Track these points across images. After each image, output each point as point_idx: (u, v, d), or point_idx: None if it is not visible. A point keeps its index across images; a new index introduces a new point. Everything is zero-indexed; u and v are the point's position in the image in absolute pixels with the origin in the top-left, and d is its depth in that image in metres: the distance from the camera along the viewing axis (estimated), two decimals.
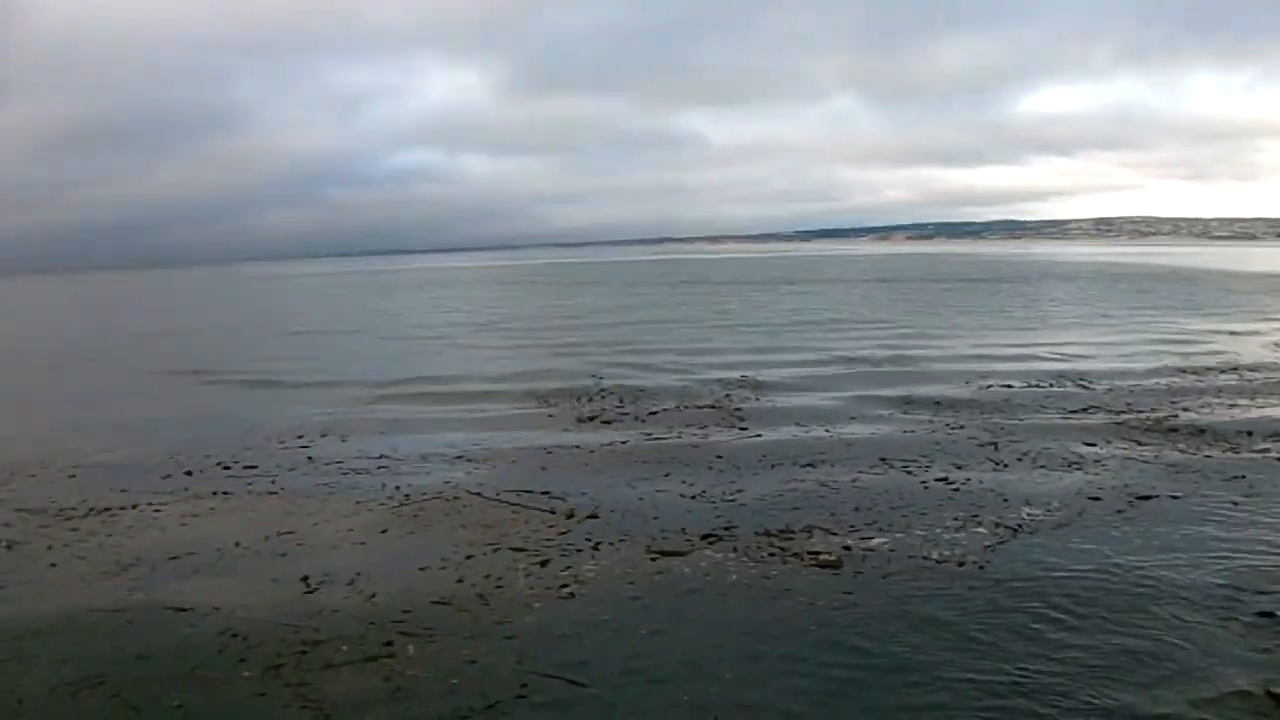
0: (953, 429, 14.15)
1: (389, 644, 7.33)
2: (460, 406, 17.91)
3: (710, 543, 9.36)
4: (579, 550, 9.37)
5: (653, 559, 8.99)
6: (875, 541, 9.23)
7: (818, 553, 8.90)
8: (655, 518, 10.31)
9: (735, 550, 9.10)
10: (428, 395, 19.27)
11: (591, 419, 16.14)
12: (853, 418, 15.23)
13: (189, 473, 13.26)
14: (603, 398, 18.08)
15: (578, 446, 13.86)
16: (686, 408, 16.69)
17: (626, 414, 16.38)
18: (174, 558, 9.67)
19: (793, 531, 9.58)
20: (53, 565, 9.60)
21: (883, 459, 12.48)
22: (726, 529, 9.77)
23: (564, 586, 8.38)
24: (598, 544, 9.54)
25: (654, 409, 16.66)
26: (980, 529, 9.52)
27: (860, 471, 11.87)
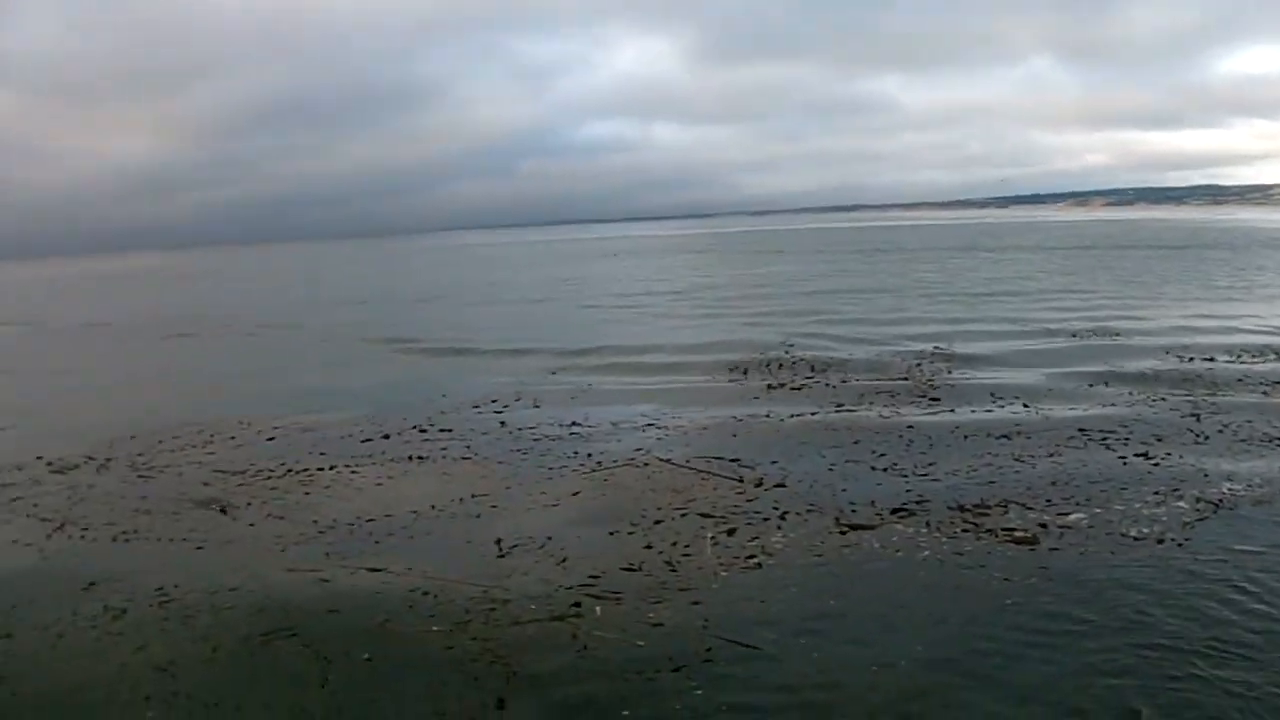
0: (1153, 402, 13.58)
1: (576, 605, 7.40)
2: (651, 375, 18.00)
3: (901, 517, 9.16)
4: (766, 519, 9.29)
5: (841, 532, 8.85)
6: (1072, 517, 8.91)
7: (1012, 529, 8.63)
8: (844, 489, 10.15)
9: (927, 526, 8.88)
10: (619, 364, 19.39)
11: (781, 387, 16.02)
12: (1050, 390, 14.76)
13: (386, 436, 13.63)
14: (793, 367, 17.91)
15: (767, 416, 13.75)
16: (879, 379, 16.42)
17: (817, 384, 16.20)
18: (370, 519, 9.94)
19: (987, 507, 9.30)
20: (250, 525, 9.97)
21: (1081, 431, 12.08)
22: (918, 503, 9.55)
23: (750, 556, 8.31)
24: (785, 514, 9.44)
25: (845, 379, 16.45)
26: (1180, 504, 9.11)
27: (1058, 445, 11.48)
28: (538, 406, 15.41)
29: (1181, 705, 5.56)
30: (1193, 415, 12.66)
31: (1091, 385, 15.09)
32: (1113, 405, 13.51)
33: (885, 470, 10.83)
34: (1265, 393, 14.12)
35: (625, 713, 5.87)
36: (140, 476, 12.01)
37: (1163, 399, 13.74)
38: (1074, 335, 20.89)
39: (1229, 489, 9.55)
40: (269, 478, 11.65)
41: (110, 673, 6.68)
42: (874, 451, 11.55)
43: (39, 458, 12.99)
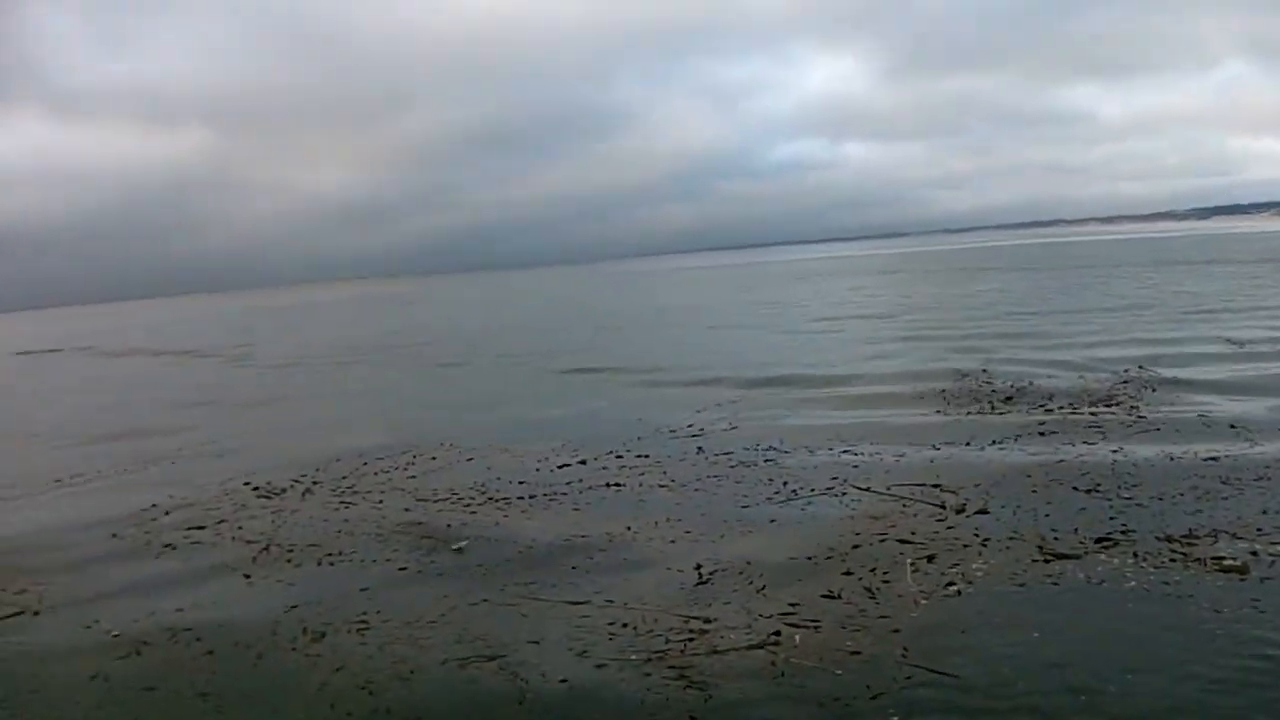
0: None
1: (776, 634, 7.42)
2: (847, 402, 17.86)
3: (1105, 547, 8.91)
4: (966, 546, 9.17)
5: (1045, 561, 8.65)
6: None
7: (1222, 558, 8.34)
8: (1047, 516, 9.93)
9: (1134, 556, 8.60)
10: (814, 392, 19.28)
11: (981, 414, 15.75)
12: (1261, 414, 14.18)
13: (583, 461, 13.86)
14: (993, 391, 17.58)
15: (968, 443, 13.53)
16: (1082, 402, 15.98)
17: (1018, 409, 15.86)
18: (566, 541, 10.17)
19: (1196, 536, 8.96)
20: (456, 551, 10.25)
21: None
22: (1123, 532, 9.26)
23: (950, 584, 8.22)
24: (986, 540, 9.30)
25: (1047, 404, 16.06)
26: None
27: (1268, 469, 11.05)
28: (734, 430, 15.51)
29: None
30: None
31: None
32: None
33: (1089, 495, 10.56)
34: None
35: None
36: (343, 503, 12.47)
37: None
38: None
39: None
40: (468, 504, 11.99)
41: (310, 692, 6.99)
42: (1078, 478, 11.26)
43: (246, 484, 13.61)
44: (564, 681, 6.86)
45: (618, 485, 12.53)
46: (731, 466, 13.11)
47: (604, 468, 13.51)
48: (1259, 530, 9.02)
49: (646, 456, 14.02)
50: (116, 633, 8.37)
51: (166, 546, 11.03)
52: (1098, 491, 10.71)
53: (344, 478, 13.78)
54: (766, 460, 13.36)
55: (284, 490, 13.27)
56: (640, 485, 12.45)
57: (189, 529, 11.62)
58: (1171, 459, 11.79)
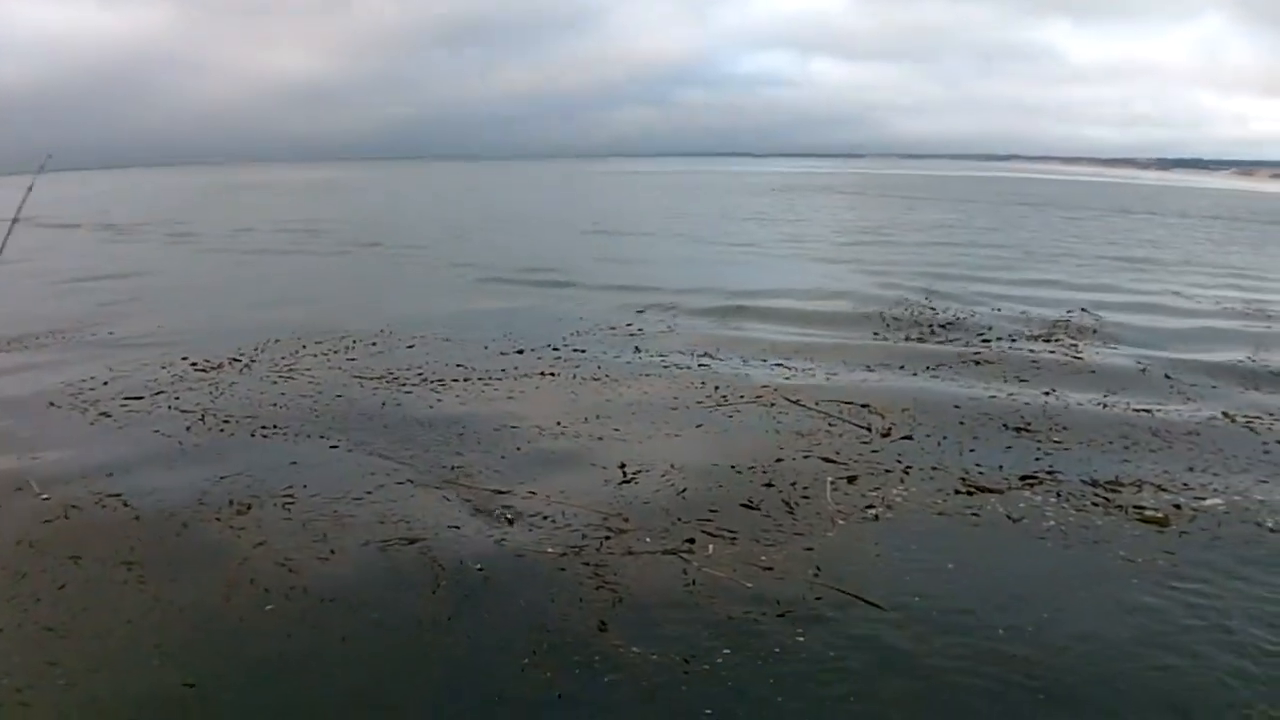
0: None
1: (691, 541, 7.44)
2: (789, 318, 17.81)
3: (1029, 484, 8.97)
4: (889, 471, 9.21)
5: (967, 493, 8.70)
6: (1209, 502, 8.64)
7: (1143, 508, 8.42)
8: (973, 448, 9.99)
9: (1057, 496, 8.68)
10: (760, 305, 19.17)
11: (919, 340, 15.81)
12: (1197, 367, 14.25)
13: (520, 351, 13.83)
14: (933, 320, 17.62)
15: (901, 367, 13.59)
16: (1021, 339, 16.06)
17: (957, 339, 15.93)
18: (496, 430, 10.14)
19: (1121, 484, 9.03)
20: (385, 425, 10.23)
21: (1225, 413, 11.70)
22: (1049, 472, 9.33)
23: (870, 508, 8.24)
24: (909, 467, 9.34)
25: (986, 336, 16.14)
26: None
27: (1199, 424, 11.13)
28: (672, 334, 15.50)
29: None
30: None
31: (1240, 364, 14.52)
32: (1258, 389, 12.96)
33: (1018, 432, 10.63)
34: None
35: (726, 651, 5.88)
36: (281, 377, 12.38)
37: None
38: (1228, 313, 20.06)
39: None
40: (404, 384, 11.96)
41: (232, 566, 6.94)
42: (1009, 414, 11.32)
43: (184, 358, 13.46)
44: (480, 570, 6.86)
45: (552, 375, 12.52)
46: (665, 368, 13.11)
47: (540, 358, 13.51)
48: (1184, 485, 9.09)
49: (583, 351, 14.03)
50: (46, 495, 8.28)
51: (103, 415, 10.88)
52: (1027, 430, 10.77)
53: (282, 357, 13.68)
54: (700, 365, 13.37)
55: (221, 365, 13.15)
56: (574, 378, 12.44)
57: (126, 399, 11.47)
58: (1104, 405, 11.88)
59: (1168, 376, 13.43)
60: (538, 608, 6.35)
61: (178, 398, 11.44)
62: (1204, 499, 8.71)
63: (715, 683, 5.56)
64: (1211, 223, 52.71)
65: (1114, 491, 8.85)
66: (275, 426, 10.30)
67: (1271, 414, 11.67)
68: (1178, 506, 8.48)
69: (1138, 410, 11.66)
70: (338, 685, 5.46)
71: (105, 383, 12.24)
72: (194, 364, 13.23)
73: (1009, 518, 8.17)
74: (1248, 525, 8.10)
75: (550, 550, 7.20)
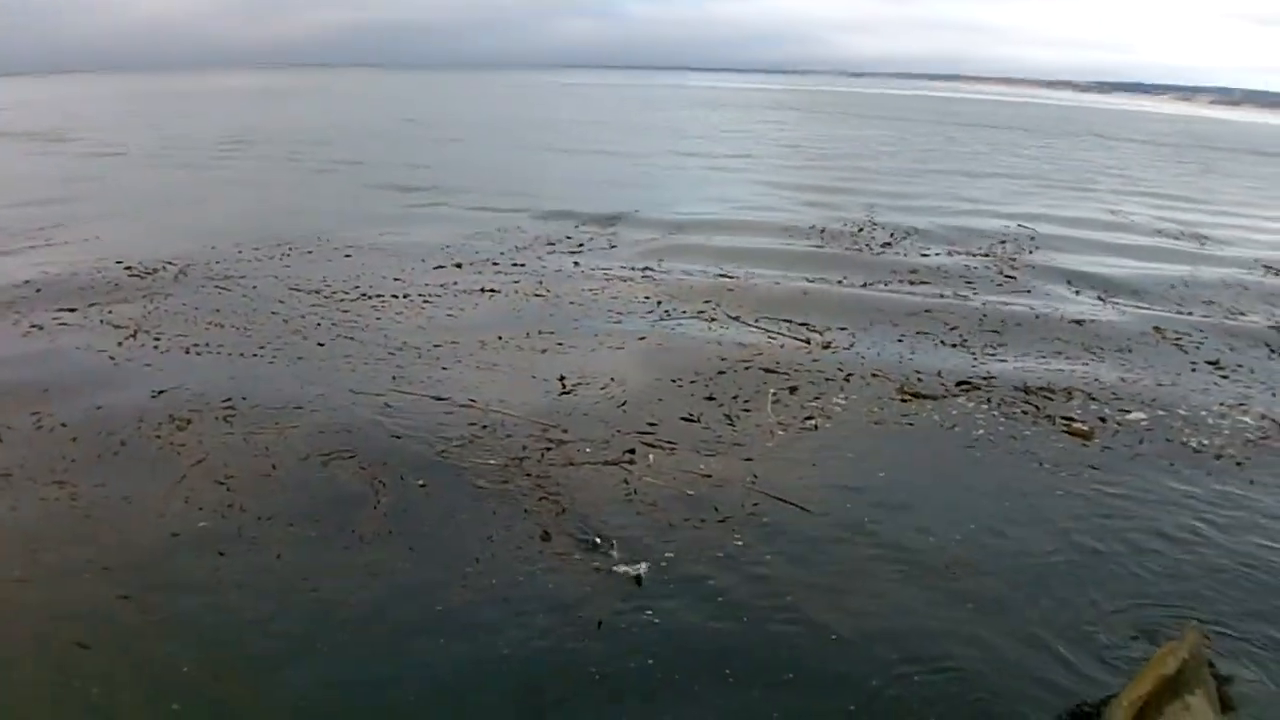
0: (1233, 314, 13.20)
1: (631, 451, 7.50)
2: (732, 231, 17.76)
3: (964, 390, 9.13)
4: (829, 380, 9.32)
5: (903, 400, 8.84)
6: (1133, 415, 8.80)
7: (1071, 419, 8.55)
8: (911, 358, 10.13)
9: (989, 402, 8.85)
10: (703, 219, 19.08)
11: (859, 253, 15.89)
12: (1128, 286, 14.43)
13: (459, 265, 13.75)
14: (874, 234, 17.71)
15: (841, 281, 13.66)
16: (958, 253, 16.19)
17: (896, 253, 16.03)
18: (438, 345, 10.09)
19: (1051, 392, 9.21)
20: (320, 345, 10.14)
21: (1156, 329, 11.86)
22: (984, 379, 9.50)
23: (809, 418, 8.34)
24: (849, 376, 9.47)
25: (925, 251, 16.24)
26: (1245, 419, 8.88)
27: (1129, 340, 11.31)
28: (614, 249, 15.44)
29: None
30: (1273, 329, 12.35)
31: (1172, 286, 14.71)
32: (1189, 313, 13.14)
33: (955, 346, 10.77)
34: None
35: (669, 555, 5.98)
36: (217, 288, 12.20)
37: (1242, 313, 13.33)
38: (1163, 234, 20.23)
39: None
40: (341, 300, 11.85)
41: (169, 483, 6.87)
42: (946, 325, 11.46)
43: (119, 263, 13.24)
44: (423, 486, 6.85)
45: (493, 291, 12.45)
46: (607, 281, 13.08)
47: (479, 273, 13.40)
48: (1114, 396, 9.25)
49: (523, 266, 13.95)
50: None
51: (34, 327, 10.65)
52: (963, 339, 10.92)
53: (218, 263, 13.50)
54: (644, 277, 13.38)
55: (156, 272, 12.93)
56: (515, 293, 12.37)
57: (59, 310, 11.23)
58: (1038, 317, 12.04)
59: (1101, 297, 13.59)
60: (480, 519, 6.38)
61: (111, 310, 11.23)
62: (1129, 412, 8.88)
63: (659, 585, 5.64)
64: (1151, 148, 52.95)
65: (1045, 399, 9.02)
66: (210, 342, 10.15)
67: (1201, 332, 11.87)
68: (1103, 419, 8.64)
69: (1072, 323, 11.83)
70: (276, 602, 5.45)
71: (38, 290, 12.04)
72: (129, 269, 13.00)
73: (942, 425, 8.31)
74: (1172, 443, 8.27)
75: (493, 463, 7.21)
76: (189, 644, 5.07)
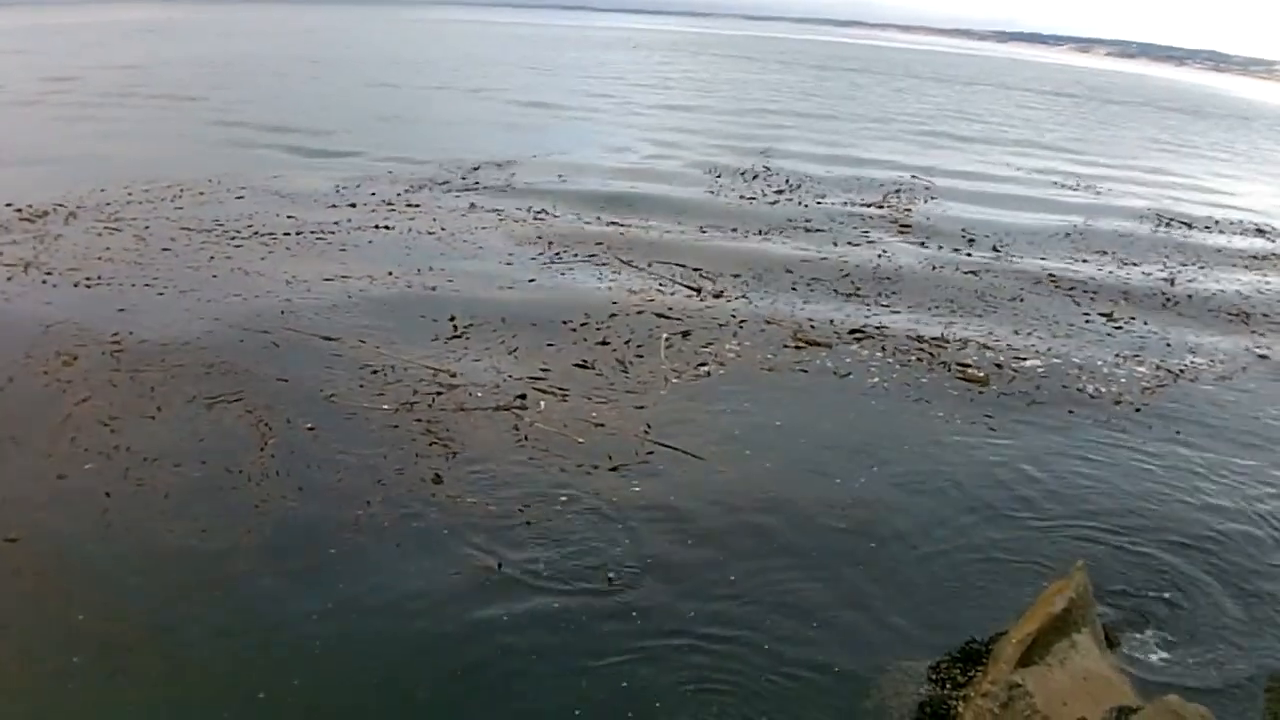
0: (1125, 264, 13.45)
1: (523, 397, 7.45)
2: (624, 174, 17.63)
3: (858, 338, 9.18)
4: (723, 326, 9.33)
5: (797, 348, 8.87)
6: (1029, 363, 8.94)
7: (967, 365, 8.66)
8: (805, 306, 10.16)
9: (883, 350, 8.91)
10: (594, 162, 18.94)
11: (753, 200, 15.84)
12: (1022, 235, 14.60)
13: (352, 205, 13.53)
14: (768, 181, 17.69)
15: (734, 229, 13.63)
16: (853, 201, 16.23)
17: (790, 200, 16.01)
18: (327, 279, 9.94)
19: (946, 341, 9.31)
20: (214, 276, 9.92)
21: (1051, 278, 12.05)
22: (878, 328, 9.56)
23: (702, 365, 8.34)
24: (743, 322, 9.48)
25: (820, 199, 16.26)
26: (1141, 369, 9.11)
27: (1024, 290, 11.47)
28: (508, 191, 15.27)
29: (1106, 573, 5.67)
30: (1165, 280, 12.60)
31: (1067, 236, 14.92)
32: (1084, 260, 13.36)
33: (849, 296, 10.79)
34: (1246, 266, 14.03)
35: (563, 497, 6.00)
36: (107, 228, 11.85)
37: (1134, 262, 13.59)
38: (1058, 184, 20.50)
39: (1191, 361, 9.53)
40: (233, 237, 11.56)
41: (54, 423, 6.69)
42: (839, 276, 11.49)
43: (8, 204, 12.79)
44: (311, 429, 6.74)
45: (387, 228, 12.27)
46: (500, 222, 12.95)
47: (373, 212, 13.18)
48: (1008, 345, 9.37)
49: (418, 206, 13.72)
50: None
51: None
52: (856, 289, 10.96)
53: (108, 204, 13.06)
54: (536, 218, 13.26)
55: (47, 215, 12.48)
56: (409, 232, 12.19)
57: None
58: (934, 268, 12.14)
59: (995, 248, 13.71)
60: (370, 463, 6.32)
61: (0, 252, 10.85)
62: (1025, 359, 9.01)
63: (552, 530, 5.66)
64: (1050, 98, 53.59)
65: (939, 348, 9.12)
66: (101, 276, 9.85)
67: (1095, 280, 12.08)
68: (999, 366, 8.77)
69: (966, 274, 11.96)
70: (162, 541, 5.36)
71: None
72: (19, 211, 12.54)
73: (835, 373, 8.37)
74: (1068, 389, 8.43)
75: (385, 407, 7.12)
76: (84, 587, 5.01)
